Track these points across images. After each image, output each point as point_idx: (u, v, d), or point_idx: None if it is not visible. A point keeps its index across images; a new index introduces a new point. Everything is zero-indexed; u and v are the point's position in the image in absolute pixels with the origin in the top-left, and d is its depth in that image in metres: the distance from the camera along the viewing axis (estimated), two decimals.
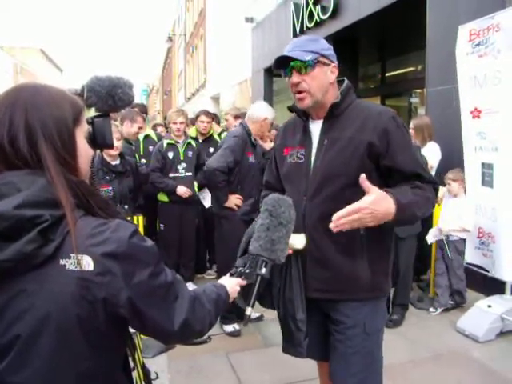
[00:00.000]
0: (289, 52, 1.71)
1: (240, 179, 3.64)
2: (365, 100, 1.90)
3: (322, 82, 1.73)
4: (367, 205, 1.48)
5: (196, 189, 4.68)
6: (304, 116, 1.85)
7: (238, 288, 1.41)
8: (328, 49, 1.77)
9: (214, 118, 5.87)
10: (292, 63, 1.70)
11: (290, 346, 1.86)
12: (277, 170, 1.99)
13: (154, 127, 6.89)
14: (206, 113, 5.32)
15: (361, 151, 1.68)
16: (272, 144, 3.63)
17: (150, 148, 4.97)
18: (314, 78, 1.71)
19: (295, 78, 1.71)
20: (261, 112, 3.71)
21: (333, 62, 1.77)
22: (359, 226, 1.54)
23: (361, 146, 1.68)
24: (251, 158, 3.63)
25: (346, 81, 1.83)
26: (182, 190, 4.47)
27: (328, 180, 1.73)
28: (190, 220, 4.67)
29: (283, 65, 1.74)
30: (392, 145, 1.68)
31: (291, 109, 1.90)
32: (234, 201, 3.64)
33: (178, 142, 4.58)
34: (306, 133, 1.83)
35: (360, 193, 1.62)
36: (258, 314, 3.83)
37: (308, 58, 1.68)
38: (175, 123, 4.59)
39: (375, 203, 1.49)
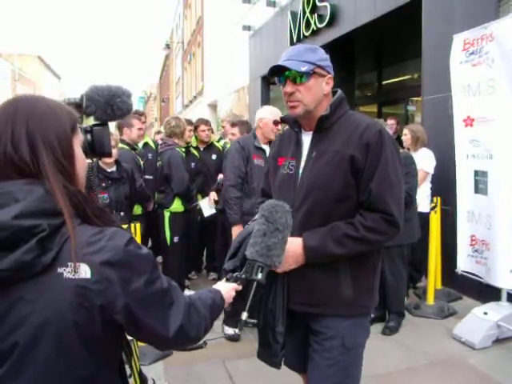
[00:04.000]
0: (285, 61, 1.68)
1: (247, 180, 3.66)
2: (361, 108, 1.90)
3: (316, 93, 1.71)
4: None
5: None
6: (296, 127, 1.83)
7: (234, 293, 1.42)
8: (325, 59, 1.74)
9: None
10: (287, 72, 1.67)
11: (266, 354, 1.84)
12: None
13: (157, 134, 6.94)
14: (205, 122, 5.34)
15: (344, 166, 1.65)
16: None
17: (149, 155, 4.99)
18: (308, 88, 1.68)
19: (289, 87, 1.69)
20: (258, 114, 3.75)
21: (329, 73, 1.74)
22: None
23: (344, 161, 1.65)
24: (256, 161, 3.62)
25: (339, 92, 1.79)
26: None
27: (312, 192, 1.70)
28: (194, 228, 4.69)
29: (278, 73, 1.72)
30: (371, 160, 1.63)
31: (283, 120, 1.89)
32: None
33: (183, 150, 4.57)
34: (298, 144, 1.81)
35: (342, 207, 1.67)
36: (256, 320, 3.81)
37: (304, 68, 1.65)
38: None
39: None
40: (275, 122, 3.57)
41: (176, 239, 4.37)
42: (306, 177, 1.73)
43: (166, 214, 4.37)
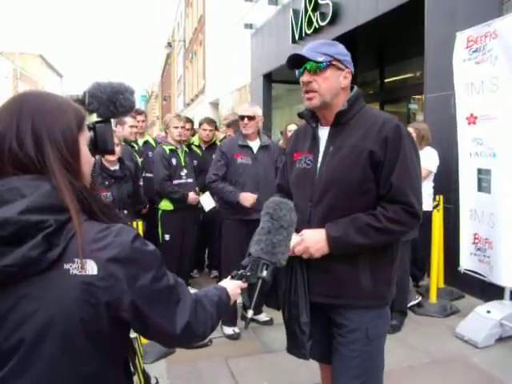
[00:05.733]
0: (304, 52, 1.74)
1: (232, 180, 3.72)
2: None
3: (333, 85, 1.75)
4: (295, 245, 1.69)
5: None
6: (313, 122, 1.86)
7: (239, 291, 1.42)
8: (344, 54, 1.79)
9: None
10: (307, 64, 1.72)
11: (294, 347, 1.88)
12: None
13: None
14: (209, 121, 5.31)
15: (363, 160, 1.69)
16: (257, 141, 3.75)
17: (149, 153, 4.98)
18: (325, 79, 1.73)
19: (306, 76, 1.74)
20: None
21: (347, 67, 1.79)
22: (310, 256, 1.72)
23: (363, 155, 1.69)
24: (240, 159, 3.68)
25: (356, 88, 1.84)
26: (193, 198, 4.42)
27: (330, 187, 1.74)
28: (191, 226, 4.64)
29: (297, 65, 1.77)
30: (390, 154, 1.67)
31: (301, 115, 1.92)
32: (247, 198, 3.60)
33: (178, 148, 4.51)
34: (315, 139, 1.85)
35: (362, 201, 1.71)
36: (267, 318, 3.87)
37: (321, 59, 1.70)
38: (176, 127, 4.43)
39: (303, 242, 1.70)
40: (240, 117, 3.74)
41: (167, 237, 4.38)
42: (325, 171, 1.77)
43: (159, 212, 4.45)
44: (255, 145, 3.74)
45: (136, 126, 4.73)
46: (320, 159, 1.80)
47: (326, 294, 1.79)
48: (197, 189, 4.62)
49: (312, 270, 1.78)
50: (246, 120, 3.65)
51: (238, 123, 4.67)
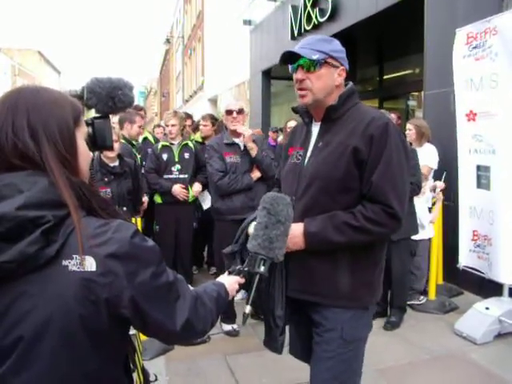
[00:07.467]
0: (298, 49, 1.70)
1: None
2: (363, 103, 1.88)
3: (327, 83, 1.71)
4: None
5: (190, 191, 4.56)
6: (307, 118, 1.85)
7: (237, 286, 1.42)
8: (339, 51, 1.75)
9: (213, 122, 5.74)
10: (300, 61, 1.69)
11: (269, 340, 1.84)
12: None
13: (154, 129, 6.98)
14: (205, 117, 5.39)
15: (347, 157, 1.64)
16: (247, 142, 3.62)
17: (149, 150, 4.96)
18: (318, 77, 1.69)
19: (300, 74, 1.70)
20: None
21: (342, 64, 1.75)
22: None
23: (347, 151, 1.64)
24: (229, 159, 3.62)
25: (350, 84, 1.80)
26: (178, 190, 4.43)
27: (313, 182, 1.71)
28: (185, 223, 4.63)
29: (291, 60, 1.73)
30: (374, 153, 1.62)
31: (295, 110, 1.90)
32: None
33: (173, 144, 4.54)
34: (308, 135, 1.83)
35: (344, 199, 1.67)
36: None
37: (315, 57, 1.66)
38: (167, 125, 4.61)
39: None
40: (227, 112, 3.62)
41: (157, 228, 4.63)
42: (310, 166, 1.74)
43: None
44: (241, 141, 3.66)
45: (142, 126, 4.84)
46: (309, 154, 1.77)
47: (302, 289, 1.74)
48: (198, 185, 4.59)
49: (290, 265, 1.73)
50: (234, 114, 3.56)
51: (221, 125, 4.69)
